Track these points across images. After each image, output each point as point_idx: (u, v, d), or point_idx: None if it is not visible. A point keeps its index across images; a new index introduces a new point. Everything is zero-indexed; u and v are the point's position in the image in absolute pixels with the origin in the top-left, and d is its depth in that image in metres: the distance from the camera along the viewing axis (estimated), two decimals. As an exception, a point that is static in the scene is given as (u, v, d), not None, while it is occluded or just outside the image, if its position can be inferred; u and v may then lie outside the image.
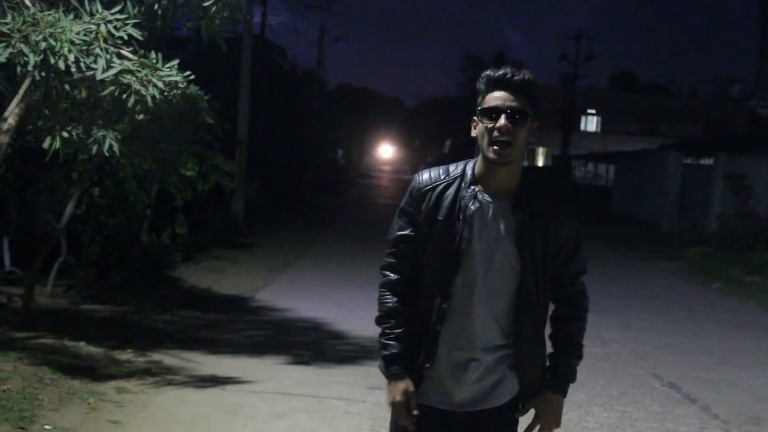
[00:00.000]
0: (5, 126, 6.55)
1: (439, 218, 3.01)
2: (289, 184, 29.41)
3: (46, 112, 6.50)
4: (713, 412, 7.50)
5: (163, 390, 6.96)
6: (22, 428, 5.60)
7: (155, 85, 5.86)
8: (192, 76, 6.35)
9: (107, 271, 11.39)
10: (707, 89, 67.67)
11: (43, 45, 5.60)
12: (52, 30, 5.68)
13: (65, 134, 6.34)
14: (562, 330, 3.21)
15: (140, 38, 6.01)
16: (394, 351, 3.08)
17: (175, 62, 6.18)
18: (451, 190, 3.02)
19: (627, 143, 49.90)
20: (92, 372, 7.16)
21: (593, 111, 60.35)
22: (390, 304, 3.12)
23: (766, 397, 8.20)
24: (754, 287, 16.12)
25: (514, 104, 2.92)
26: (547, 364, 3.21)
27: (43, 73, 5.73)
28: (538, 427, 3.25)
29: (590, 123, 61.28)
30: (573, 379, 3.23)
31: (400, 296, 3.12)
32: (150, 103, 5.87)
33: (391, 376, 3.09)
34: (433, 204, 3.03)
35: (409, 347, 3.09)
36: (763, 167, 24.05)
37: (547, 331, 3.23)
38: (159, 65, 6.05)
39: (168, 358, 7.94)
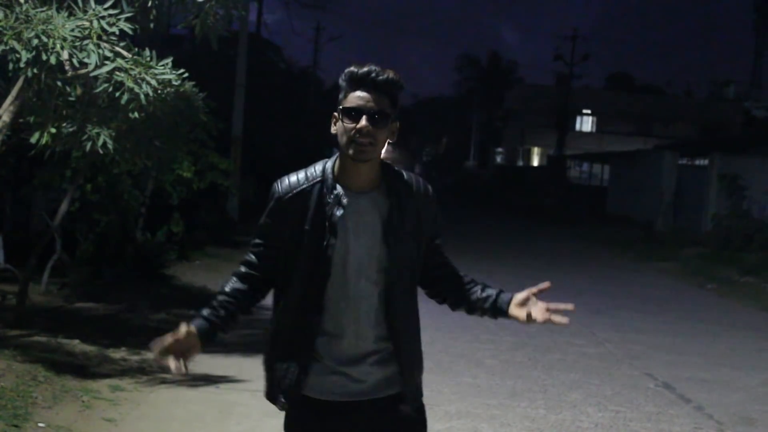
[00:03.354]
0: (-1, 123, 6.54)
1: (306, 227, 2.98)
2: (284, 182, 29.37)
3: (37, 108, 6.49)
4: (707, 412, 7.51)
5: (157, 388, 6.95)
6: (15, 426, 5.59)
7: (149, 83, 5.85)
8: (186, 74, 6.34)
9: (101, 269, 11.37)
10: (702, 90, 68.07)
11: (35, 42, 5.59)
12: (44, 27, 5.67)
13: (53, 130, 6.32)
14: (462, 282, 3.24)
15: (131, 32, 5.99)
16: (203, 312, 3.11)
17: (169, 60, 6.17)
18: (314, 196, 2.99)
19: (622, 143, 49.98)
20: (86, 370, 7.16)
21: (588, 111, 60.42)
22: (229, 285, 3.16)
23: (760, 397, 8.21)
24: (748, 288, 16.15)
25: (375, 106, 2.89)
26: (476, 298, 3.20)
27: (35, 70, 5.71)
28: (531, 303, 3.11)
29: (585, 123, 61.36)
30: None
31: (245, 283, 3.14)
32: (143, 101, 5.85)
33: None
34: (297, 212, 3.00)
35: (222, 320, 3.10)
36: (758, 168, 24.07)
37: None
38: (153, 63, 6.04)
39: (162, 357, 7.92)
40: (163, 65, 6.10)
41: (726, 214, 22.73)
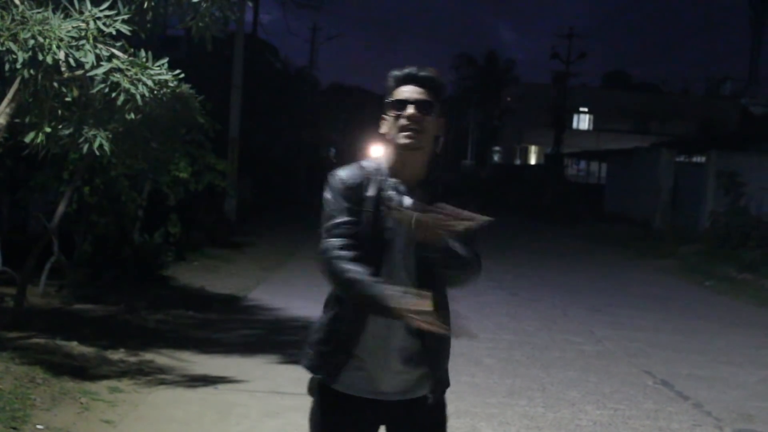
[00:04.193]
0: (-4, 125, 6.53)
1: (364, 212, 3.11)
2: (281, 183, 29.42)
3: (33, 109, 6.48)
4: (706, 409, 7.51)
5: (155, 389, 6.95)
6: (14, 428, 5.58)
7: (145, 84, 5.85)
8: (182, 75, 6.33)
9: (99, 271, 11.36)
10: (699, 87, 67.98)
11: (32, 42, 5.59)
12: (41, 28, 5.66)
13: (48, 130, 6.32)
14: None
15: (128, 33, 5.99)
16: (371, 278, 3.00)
17: (165, 61, 6.17)
18: (372, 185, 3.14)
19: (619, 141, 49.99)
20: (84, 372, 7.15)
21: (585, 109, 60.48)
22: (347, 263, 3.04)
23: (759, 394, 8.22)
24: (746, 285, 16.16)
25: (421, 96, 3.11)
26: None
27: (32, 71, 5.71)
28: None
29: (582, 121, 61.43)
30: None
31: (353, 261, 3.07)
32: (140, 102, 5.85)
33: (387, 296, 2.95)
34: (355, 199, 3.12)
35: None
36: (756, 164, 24.07)
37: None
38: (149, 64, 6.03)
39: (160, 358, 7.93)
40: (159, 66, 6.10)
41: (724, 211, 22.71)
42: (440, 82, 3.17)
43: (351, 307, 3.12)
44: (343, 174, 3.17)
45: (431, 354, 3.16)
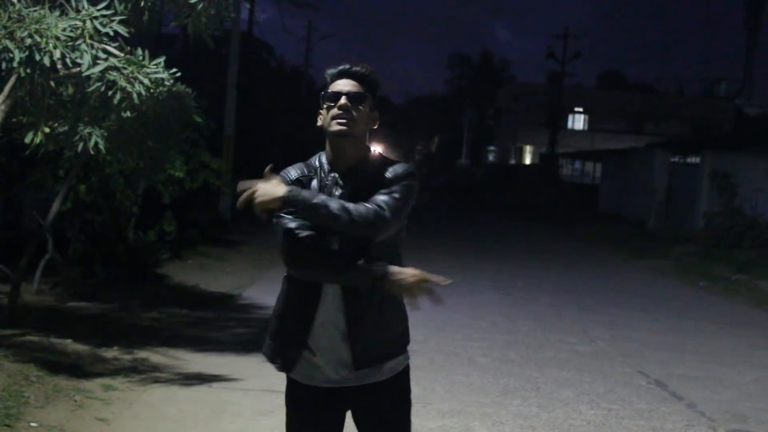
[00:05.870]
0: (-9, 123, 6.51)
1: None
2: (277, 181, 29.34)
3: (30, 107, 6.47)
4: (699, 409, 7.53)
5: (149, 387, 6.94)
6: (8, 426, 5.57)
7: (141, 82, 5.84)
8: (178, 74, 6.33)
9: (94, 269, 11.35)
10: (694, 88, 68.01)
11: (29, 41, 5.58)
12: (37, 26, 5.66)
13: (46, 129, 6.31)
14: None
15: (126, 35, 5.98)
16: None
17: (162, 59, 6.16)
18: (315, 182, 3.29)
19: (614, 141, 50.10)
20: (78, 369, 7.14)
21: (580, 109, 60.51)
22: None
23: (752, 394, 8.23)
24: (740, 285, 16.19)
25: (352, 88, 3.24)
26: None
27: (29, 70, 5.70)
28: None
29: (577, 121, 61.45)
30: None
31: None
32: (136, 100, 5.84)
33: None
34: None
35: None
36: (750, 165, 24.12)
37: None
38: (145, 62, 6.03)
39: (155, 356, 7.93)
40: (155, 64, 6.09)
41: (718, 211, 22.78)
42: (373, 77, 3.29)
43: (298, 301, 3.34)
44: (291, 173, 3.32)
45: (363, 333, 3.26)
